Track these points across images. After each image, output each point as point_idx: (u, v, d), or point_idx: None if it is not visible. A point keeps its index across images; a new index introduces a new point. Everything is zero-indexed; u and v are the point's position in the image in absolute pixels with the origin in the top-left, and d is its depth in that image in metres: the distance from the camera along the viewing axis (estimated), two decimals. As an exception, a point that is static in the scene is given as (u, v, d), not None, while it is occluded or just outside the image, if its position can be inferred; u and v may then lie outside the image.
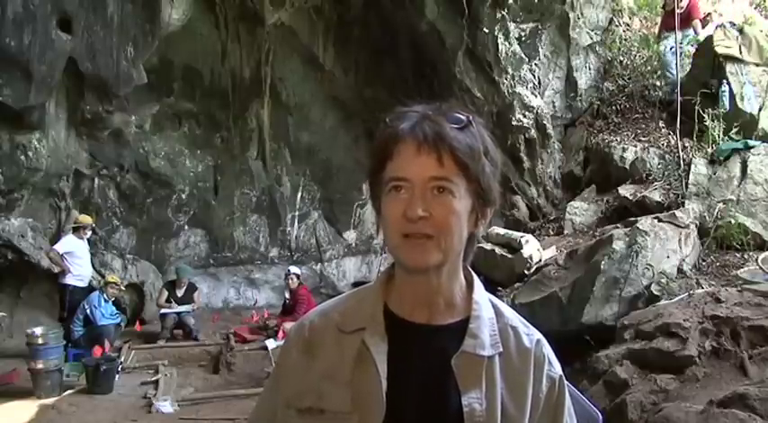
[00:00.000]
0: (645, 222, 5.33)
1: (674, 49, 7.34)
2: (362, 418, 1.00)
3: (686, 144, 6.59)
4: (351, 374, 1.02)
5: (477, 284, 1.11)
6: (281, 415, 1.09)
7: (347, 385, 1.02)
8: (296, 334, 1.12)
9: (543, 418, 1.06)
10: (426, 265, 1.00)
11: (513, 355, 1.06)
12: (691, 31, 7.72)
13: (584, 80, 8.12)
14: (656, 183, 6.47)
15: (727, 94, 6.67)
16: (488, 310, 1.09)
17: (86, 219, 7.87)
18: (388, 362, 1.02)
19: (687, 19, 7.63)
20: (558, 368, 1.11)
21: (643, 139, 7.23)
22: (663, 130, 7.14)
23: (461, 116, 1.03)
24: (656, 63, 8.02)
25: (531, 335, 1.10)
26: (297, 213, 10.36)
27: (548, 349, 1.11)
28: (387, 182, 1.01)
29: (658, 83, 7.83)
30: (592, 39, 8.15)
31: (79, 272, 7.55)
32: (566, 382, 1.12)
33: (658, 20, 8.46)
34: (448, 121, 1.01)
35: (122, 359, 6.94)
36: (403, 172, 1.00)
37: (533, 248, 6.14)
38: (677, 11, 7.32)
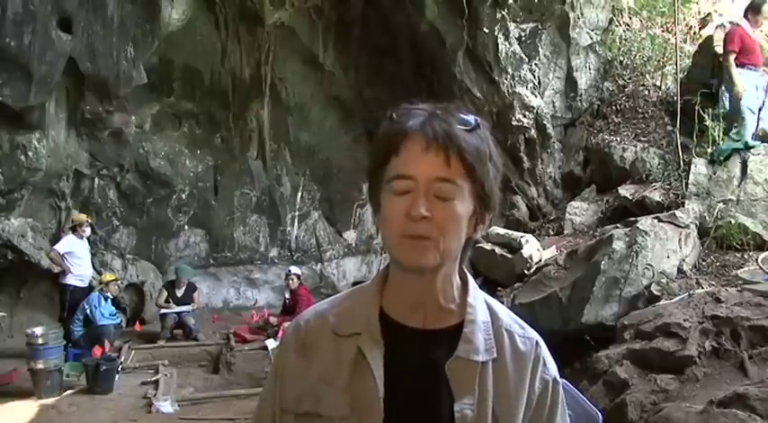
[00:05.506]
0: (645, 222, 5.31)
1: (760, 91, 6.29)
2: None
3: (686, 144, 6.58)
4: (348, 380, 1.01)
5: (473, 286, 1.09)
6: (279, 420, 1.08)
7: (344, 391, 1.01)
8: (292, 335, 1.11)
9: (535, 420, 1.06)
10: (423, 266, 0.98)
11: (507, 360, 1.05)
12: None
13: (584, 80, 8.11)
14: (655, 183, 6.45)
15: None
16: (483, 314, 1.07)
17: (81, 216, 7.89)
18: (384, 367, 1.01)
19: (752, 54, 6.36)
20: (552, 370, 1.09)
21: (643, 139, 7.23)
22: (663, 129, 7.13)
23: (470, 118, 1.01)
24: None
25: (526, 337, 1.09)
26: (297, 213, 10.37)
27: (543, 351, 1.09)
28: (390, 179, 0.99)
29: (658, 82, 7.76)
30: (592, 39, 8.14)
31: (79, 272, 7.56)
32: (561, 383, 1.11)
33: (659, 20, 8.40)
34: (457, 122, 0.99)
35: (122, 359, 6.95)
36: (409, 169, 0.96)
37: (533, 248, 6.13)
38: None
